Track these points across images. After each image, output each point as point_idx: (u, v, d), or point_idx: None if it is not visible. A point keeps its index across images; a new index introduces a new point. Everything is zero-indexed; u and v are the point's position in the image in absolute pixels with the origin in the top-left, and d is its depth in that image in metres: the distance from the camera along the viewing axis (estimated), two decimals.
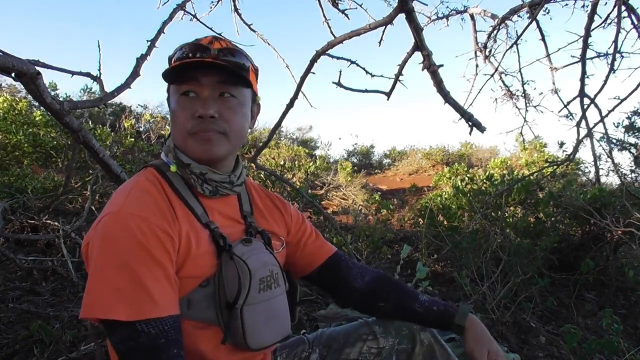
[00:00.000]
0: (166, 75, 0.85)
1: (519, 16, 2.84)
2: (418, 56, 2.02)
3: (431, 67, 1.99)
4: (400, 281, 1.11)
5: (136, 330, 0.69)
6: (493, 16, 2.97)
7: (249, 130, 0.95)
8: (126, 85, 1.82)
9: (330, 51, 2.17)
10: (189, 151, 0.86)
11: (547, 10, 2.76)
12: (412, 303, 1.06)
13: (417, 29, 1.90)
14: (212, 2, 2.94)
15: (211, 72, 0.84)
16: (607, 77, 2.54)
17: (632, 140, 3.23)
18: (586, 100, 2.74)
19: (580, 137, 2.85)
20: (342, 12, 2.68)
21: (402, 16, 1.90)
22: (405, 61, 2.14)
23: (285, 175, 5.87)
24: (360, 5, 2.73)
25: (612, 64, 2.51)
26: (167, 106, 0.95)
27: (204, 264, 0.82)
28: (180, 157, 0.87)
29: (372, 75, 2.28)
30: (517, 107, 3.14)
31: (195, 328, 0.81)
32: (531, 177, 3.65)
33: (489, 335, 1.00)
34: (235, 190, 0.93)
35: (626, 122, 3.20)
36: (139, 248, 0.72)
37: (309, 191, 5.89)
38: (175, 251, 0.78)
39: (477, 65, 3.15)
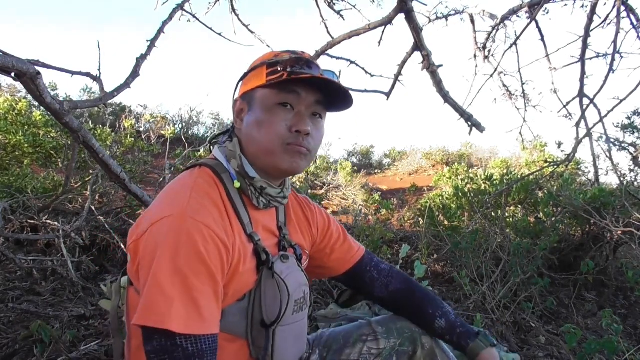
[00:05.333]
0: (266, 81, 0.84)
1: (518, 16, 2.84)
2: (418, 56, 2.03)
3: (430, 67, 2.00)
4: (423, 301, 1.08)
5: (175, 344, 0.68)
6: (492, 16, 2.97)
7: None
8: (126, 85, 1.82)
9: (329, 51, 2.18)
10: (275, 161, 0.84)
11: (546, 11, 2.75)
12: (427, 328, 1.07)
13: (416, 29, 1.91)
14: (210, 2, 2.94)
15: (312, 90, 0.84)
16: (607, 77, 2.54)
17: (631, 139, 3.23)
18: (585, 101, 2.74)
19: (579, 137, 2.85)
20: (338, 13, 2.69)
21: (401, 16, 1.91)
22: (404, 61, 2.15)
23: None
24: (354, 7, 2.74)
25: (611, 64, 2.51)
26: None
27: (247, 281, 0.82)
28: (246, 168, 0.86)
29: (372, 75, 2.29)
30: (516, 107, 3.14)
31: (223, 340, 0.80)
32: (530, 177, 3.65)
33: None
34: (284, 203, 0.94)
35: (626, 122, 3.20)
36: (197, 259, 0.71)
37: (309, 191, 5.89)
38: (229, 264, 0.77)
39: (476, 66, 3.14)
